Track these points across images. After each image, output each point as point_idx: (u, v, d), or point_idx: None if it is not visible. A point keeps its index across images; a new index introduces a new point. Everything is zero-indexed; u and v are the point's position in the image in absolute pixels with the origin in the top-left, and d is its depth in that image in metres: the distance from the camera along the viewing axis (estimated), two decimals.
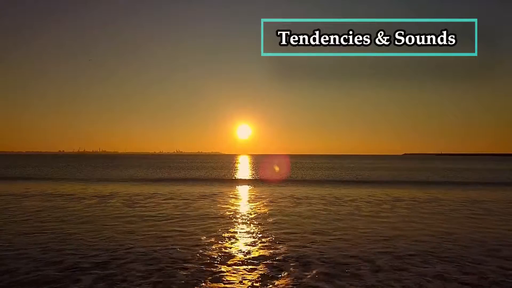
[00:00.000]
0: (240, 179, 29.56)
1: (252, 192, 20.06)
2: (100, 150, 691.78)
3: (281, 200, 16.40)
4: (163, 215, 12.33)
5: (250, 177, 31.56)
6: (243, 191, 20.74)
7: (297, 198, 17.03)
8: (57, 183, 25.35)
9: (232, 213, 12.87)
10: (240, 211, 13.39)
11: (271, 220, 11.44)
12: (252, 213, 12.94)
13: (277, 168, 47.98)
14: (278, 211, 13.31)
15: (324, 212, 13.05)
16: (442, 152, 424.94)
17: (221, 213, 12.85)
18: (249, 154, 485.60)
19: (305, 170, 44.09)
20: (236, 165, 66.28)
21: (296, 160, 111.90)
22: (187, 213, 12.70)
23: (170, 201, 15.93)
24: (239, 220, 11.48)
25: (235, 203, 15.41)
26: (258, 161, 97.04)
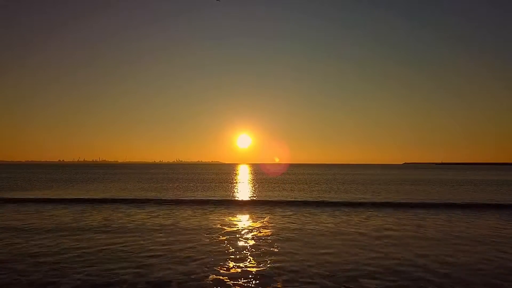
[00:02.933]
0: (236, 199, 25.26)
1: (249, 221, 15.80)
2: (100, 160, 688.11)
3: (291, 240, 12.10)
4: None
5: (247, 195, 27.29)
6: (238, 220, 16.45)
7: (311, 235, 12.77)
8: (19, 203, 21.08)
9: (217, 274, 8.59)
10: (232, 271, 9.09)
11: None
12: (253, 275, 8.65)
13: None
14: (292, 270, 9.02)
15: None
16: (443, 162, 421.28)
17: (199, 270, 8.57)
18: (249, 163, 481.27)
19: (309, 185, 39.79)
20: (235, 176, 61.98)
21: (297, 170, 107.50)
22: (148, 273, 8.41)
23: (138, 237, 11.68)
24: None
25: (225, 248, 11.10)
26: (257, 171, 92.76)
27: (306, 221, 15.41)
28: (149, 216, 16.72)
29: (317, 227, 14.11)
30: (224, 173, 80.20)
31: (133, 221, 15.46)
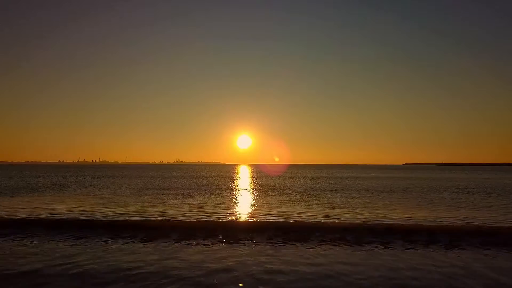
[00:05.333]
0: (234, 220, 19.11)
1: (250, 258, 9.65)
2: (100, 160, 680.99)
3: None
4: None
5: (247, 212, 21.18)
6: (234, 257, 10.27)
7: None
8: None
9: None
10: None
11: None
12: None
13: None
14: None
15: None
16: (443, 162, 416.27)
17: None
18: (249, 164, 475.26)
19: (317, 193, 33.65)
20: (234, 181, 55.89)
21: (298, 172, 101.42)
22: None
23: None
24: None
25: None
26: (258, 175, 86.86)
27: (332, 262, 9.30)
28: (118, 251, 10.65)
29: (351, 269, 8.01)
30: (223, 177, 74.09)
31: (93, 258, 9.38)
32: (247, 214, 19.72)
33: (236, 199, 27.99)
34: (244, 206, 23.45)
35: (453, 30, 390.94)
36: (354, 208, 22.29)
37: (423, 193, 33.96)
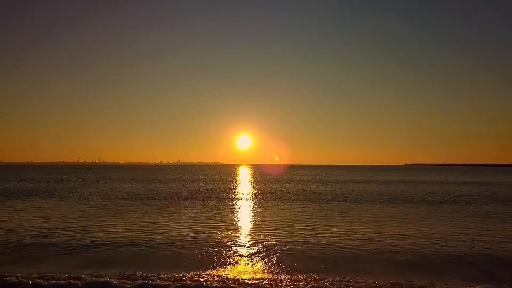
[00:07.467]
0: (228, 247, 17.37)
1: None
2: (100, 161, 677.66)
3: None
4: None
5: (241, 238, 19.52)
6: None
7: None
8: None
9: None
10: None
11: None
12: None
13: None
14: None
15: None
16: (444, 163, 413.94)
17: None
18: (249, 164, 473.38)
19: (319, 204, 31.98)
20: (233, 189, 54.23)
21: (299, 174, 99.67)
22: None
23: None
24: None
25: None
26: (259, 178, 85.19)
27: None
28: None
29: None
30: (222, 180, 72.37)
31: None
32: (244, 235, 18.05)
33: (233, 212, 26.32)
34: (241, 223, 21.71)
35: (453, 30, 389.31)
36: (360, 221, 20.53)
37: (432, 203, 32.30)
